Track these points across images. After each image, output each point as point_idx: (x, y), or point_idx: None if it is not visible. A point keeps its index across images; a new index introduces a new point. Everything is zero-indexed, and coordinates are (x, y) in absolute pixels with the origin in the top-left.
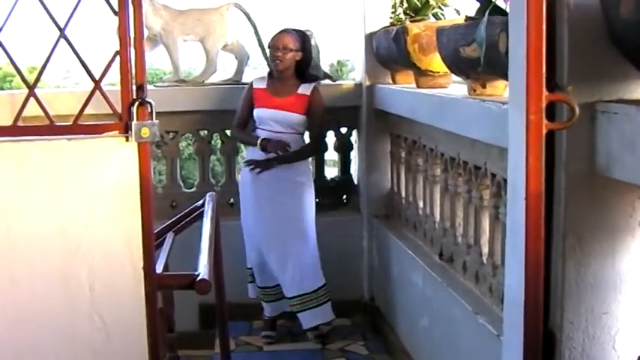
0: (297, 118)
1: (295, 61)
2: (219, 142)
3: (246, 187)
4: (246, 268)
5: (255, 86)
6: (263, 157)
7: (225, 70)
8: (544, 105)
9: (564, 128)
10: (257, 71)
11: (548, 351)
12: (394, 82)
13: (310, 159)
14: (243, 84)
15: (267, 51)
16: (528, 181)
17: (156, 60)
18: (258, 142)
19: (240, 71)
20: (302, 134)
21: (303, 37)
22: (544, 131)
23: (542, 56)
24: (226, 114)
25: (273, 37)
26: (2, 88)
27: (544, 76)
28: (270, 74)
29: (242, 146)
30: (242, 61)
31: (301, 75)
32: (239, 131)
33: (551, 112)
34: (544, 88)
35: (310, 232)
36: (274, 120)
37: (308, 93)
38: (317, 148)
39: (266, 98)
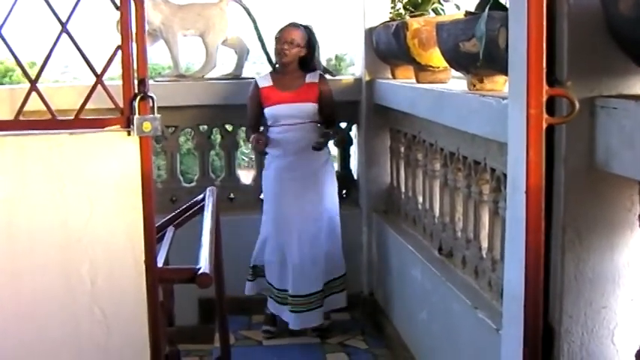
0: (313, 106)
1: (300, 56)
2: (218, 136)
3: (270, 185)
4: (250, 267)
5: (261, 86)
6: (283, 157)
7: (224, 64)
8: (544, 99)
9: (564, 122)
10: (256, 66)
11: (548, 345)
12: (394, 77)
13: (330, 152)
14: (243, 79)
15: (274, 42)
16: (528, 175)
17: (155, 55)
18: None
19: (239, 66)
20: (318, 122)
21: (309, 34)
22: (544, 126)
23: (543, 51)
24: (226, 109)
25: (281, 29)
26: (2, 83)
27: (544, 70)
28: (272, 71)
29: (242, 141)
30: (242, 56)
31: (304, 67)
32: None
33: (550, 106)
34: (544, 83)
35: (337, 222)
36: (291, 114)
37: (316, 80)
38: (336, 121)
39: (276, 95)
